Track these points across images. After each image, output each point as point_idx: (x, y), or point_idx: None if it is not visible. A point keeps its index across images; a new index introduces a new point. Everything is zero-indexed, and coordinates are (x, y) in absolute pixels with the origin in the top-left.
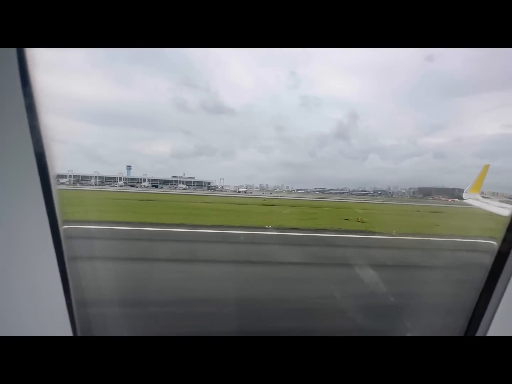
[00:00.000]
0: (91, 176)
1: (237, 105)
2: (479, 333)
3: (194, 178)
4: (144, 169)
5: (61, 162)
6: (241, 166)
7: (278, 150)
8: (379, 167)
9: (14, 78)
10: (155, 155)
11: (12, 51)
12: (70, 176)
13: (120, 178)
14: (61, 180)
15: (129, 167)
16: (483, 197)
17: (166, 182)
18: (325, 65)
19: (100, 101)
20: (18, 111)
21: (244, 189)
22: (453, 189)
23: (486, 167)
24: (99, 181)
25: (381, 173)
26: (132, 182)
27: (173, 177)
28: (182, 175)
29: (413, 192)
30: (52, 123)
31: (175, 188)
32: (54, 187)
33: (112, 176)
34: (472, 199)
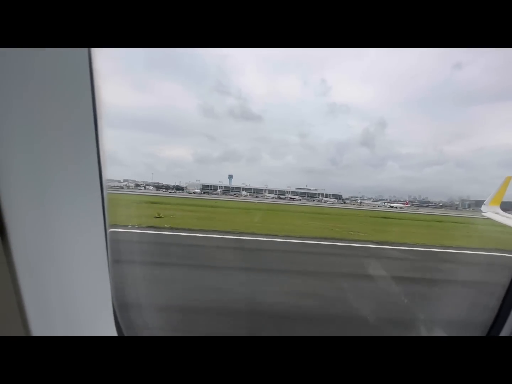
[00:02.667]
0: (217, 186)
1: (262, 111)
2: (503, 333)
3: (316, 190)
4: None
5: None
6: (265, 172)
7: (301, 157)
8: (413, 176)
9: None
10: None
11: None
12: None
13: (288, 191)
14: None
15: (230, 176)
16: (504, 210)
17: (302, 194)
18: (349, 73)
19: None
20: (86, 116)
21: (401, 205)
22: None
23: (508, 179)
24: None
25: (413, 182)
26: (282, 194)
27: (297, 188)
28: (305, 187)
29: (469, 205)
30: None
31: (320, 201)
32: (105, 191)
33: (259, 188)
34: (492, 213)
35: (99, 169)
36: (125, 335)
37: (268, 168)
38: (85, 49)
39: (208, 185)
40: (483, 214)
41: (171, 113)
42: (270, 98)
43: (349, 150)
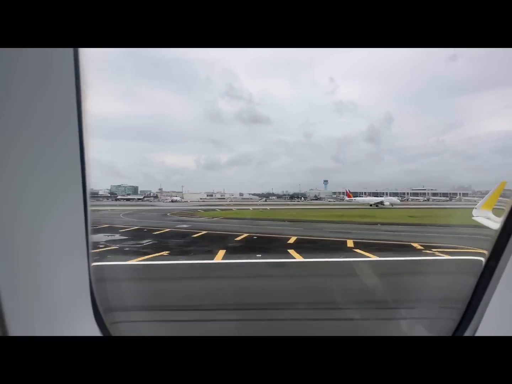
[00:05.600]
0: (384, 193)
1: (270, 113)
2: (468, 333)
3: (435, 189)
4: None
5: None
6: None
7: (308, 156)
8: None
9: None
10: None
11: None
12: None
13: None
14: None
15: (325, 182)
16: (495, 215)
17: (433, 194)
18: (343, 70)
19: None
20: (71, 123)
21: None
22: None
23: (502, 184)
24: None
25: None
26: (376, 195)
27: (413, 189)
28: (422, 187)
29: None
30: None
31: (459, 200)
32: (88, 194)
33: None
34: (482, 217)
35: (82, 173)
36: (106, 335)
37: (275, 169)
38: (71, 54)
39: (334, 192)
40: (474, 218)
41: (180, 123)
42: (276, 100)
43: (354, 146)
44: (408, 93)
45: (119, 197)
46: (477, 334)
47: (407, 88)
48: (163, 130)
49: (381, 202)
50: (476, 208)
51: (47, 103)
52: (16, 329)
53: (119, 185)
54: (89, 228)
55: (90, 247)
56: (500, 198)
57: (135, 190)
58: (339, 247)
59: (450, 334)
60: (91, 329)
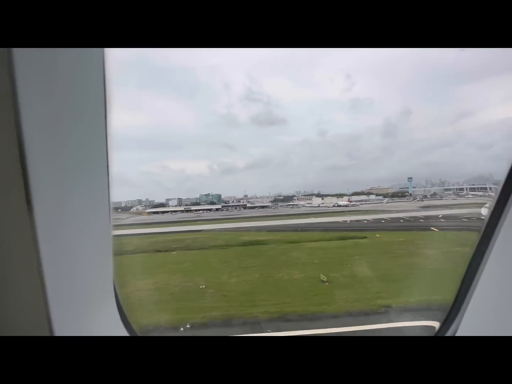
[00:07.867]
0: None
1: (287, 114)
2: (449, 333)
3: None
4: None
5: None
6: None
7: (323, 155)
8: None
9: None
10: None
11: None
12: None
13: None
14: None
15: (410, 179)
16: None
17: None
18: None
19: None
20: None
21: None
22: None
23: None
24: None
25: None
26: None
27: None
28: None
29: None
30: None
31: None
32: (112, 200)
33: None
34: None
35: (107, 178)
36: (131, 335)
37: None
38: (101, 60)
39: (447, 188)
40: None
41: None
42: (287, 100)
43: (370, 143)
44: (420, 86)
45: (257, 205)
46: (457, 334)
47: (420, 80)
48: (168, 137)
49: None
50: (486, 207)
51: (75, 102)
52: (57, 329)
53: (207, 194)
54: (112, 235)
55: (113, 252)
56: None
57: (219, 198)
58: None
59: (433, 334)
60: (118, 330)
